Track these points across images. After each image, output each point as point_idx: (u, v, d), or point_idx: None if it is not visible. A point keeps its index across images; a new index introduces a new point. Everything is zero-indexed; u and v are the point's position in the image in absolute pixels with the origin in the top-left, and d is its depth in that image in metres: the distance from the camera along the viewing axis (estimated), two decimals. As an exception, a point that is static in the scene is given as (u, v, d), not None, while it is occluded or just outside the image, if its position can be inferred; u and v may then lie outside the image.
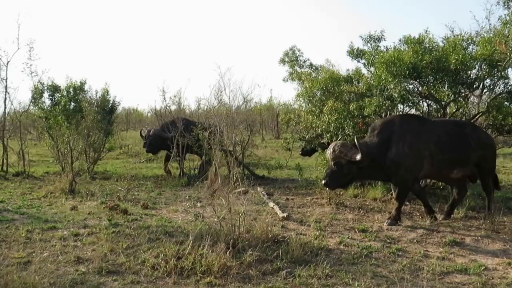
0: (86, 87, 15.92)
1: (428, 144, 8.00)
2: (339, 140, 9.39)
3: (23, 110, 16.78)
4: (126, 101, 52.68)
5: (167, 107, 16.73)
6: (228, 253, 5.78)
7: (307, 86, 11.32)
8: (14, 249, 6.33)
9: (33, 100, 15.49)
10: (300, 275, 5.50)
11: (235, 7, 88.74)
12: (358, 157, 7.65)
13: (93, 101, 15.40)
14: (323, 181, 8.11)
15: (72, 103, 15.17)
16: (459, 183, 8.51)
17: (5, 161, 14.24)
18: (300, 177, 12.41)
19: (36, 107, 15.72)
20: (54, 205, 9.43)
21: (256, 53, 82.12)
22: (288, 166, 15.56)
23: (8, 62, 14.55)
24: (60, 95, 15.27)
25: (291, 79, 14.12)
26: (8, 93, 14.99)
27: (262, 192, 10.66)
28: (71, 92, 15.42)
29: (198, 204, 9.62)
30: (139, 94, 67.23)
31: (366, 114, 9.92)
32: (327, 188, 8.38)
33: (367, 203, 9.75)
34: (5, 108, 15.09)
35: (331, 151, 7.91)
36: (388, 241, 7.10)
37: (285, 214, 8.50)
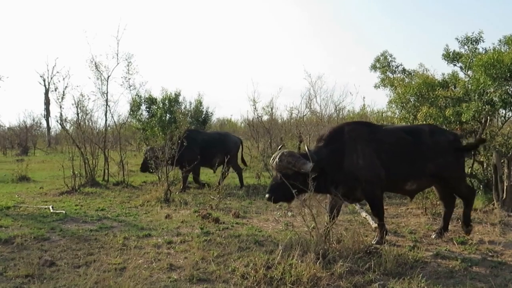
0: (180, 99, 16.57)
1: (379, 154, 7.14)
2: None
3: (122, 122, 17.55)
4: (220, 111, 53.87)
5: (259, 117, 16.92)
6: (318, 263, 5.66)
7: (400, 92, 11.02)
8: (111, 255, 6.60)
9: (131, 112, 16.26)
10: (393, 288, 5.28)
11: (324, 15, 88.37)
12: (309, 167, 6.80)
13: (187, 112, 15.93)
14: (266, 195, 7.02)
15: (168, 115, 15.76)
16: (416, 192, 7.81)
17: (106, 171, 14.96)
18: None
19: (134, 119, 16.48)
20: (150, 213, 9.77)
21: (347, 60, 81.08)
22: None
23: (109, 77, 15.39)
24: (156, 107, 15.96)
25: (383, 86, 13.82)
26: (109, 106, 15.78)
27: (354, 202, 10.42)
28: (167, 103, 16.07)
29: (289, 214, 9.58)
30: (233, 104, 68.57)
31: (464, 120, 9.46)
32: (271, 202, 7.22)
33: (466, 214, 9.22)
34: (106, 120, 15.83)
35: (278, 160, 6.97)
36: (490, 254, 6.66)
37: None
